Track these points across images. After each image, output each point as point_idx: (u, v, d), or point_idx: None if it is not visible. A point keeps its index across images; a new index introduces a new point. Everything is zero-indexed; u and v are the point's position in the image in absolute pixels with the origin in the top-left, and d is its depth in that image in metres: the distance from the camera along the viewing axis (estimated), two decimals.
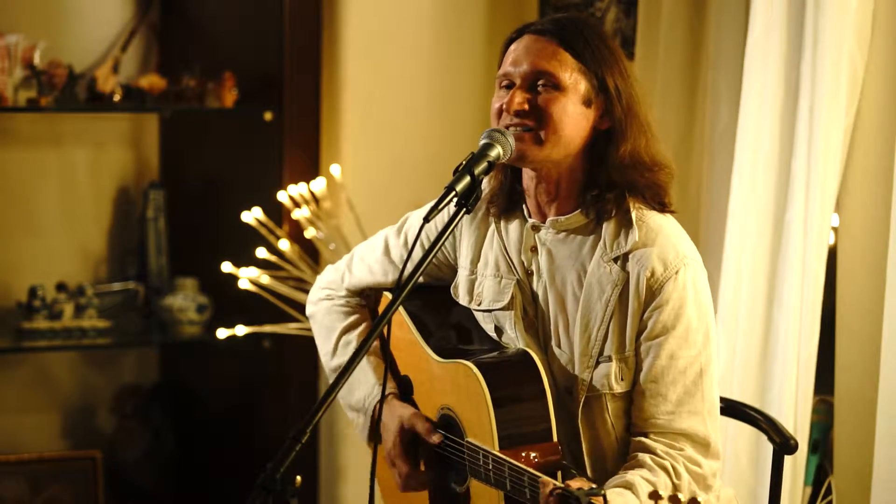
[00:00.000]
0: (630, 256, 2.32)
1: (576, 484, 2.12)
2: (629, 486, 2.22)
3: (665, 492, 2.20)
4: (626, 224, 2.34)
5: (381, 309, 2.67)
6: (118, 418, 4.31)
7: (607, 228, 2.35)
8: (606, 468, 2.32)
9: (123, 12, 4.21)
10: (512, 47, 2.37)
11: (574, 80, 2.32)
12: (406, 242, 2.58)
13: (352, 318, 2.65)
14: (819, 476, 3.22)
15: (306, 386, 3.94)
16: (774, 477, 2.59)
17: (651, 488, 2.21)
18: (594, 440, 2.35)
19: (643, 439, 2.31)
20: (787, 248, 3.06)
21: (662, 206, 2.37)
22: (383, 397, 2.43)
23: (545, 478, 2.12)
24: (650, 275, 2.30)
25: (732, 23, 3.27)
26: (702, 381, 2.31)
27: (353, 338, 2.62)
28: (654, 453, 2.28)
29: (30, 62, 3.78)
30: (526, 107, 2.31)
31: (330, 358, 2.64)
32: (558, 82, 2.31)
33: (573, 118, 2.31)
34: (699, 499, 1.78)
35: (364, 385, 2.54)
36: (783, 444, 2.56)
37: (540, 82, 2.32)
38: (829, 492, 3.15)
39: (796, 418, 3.04)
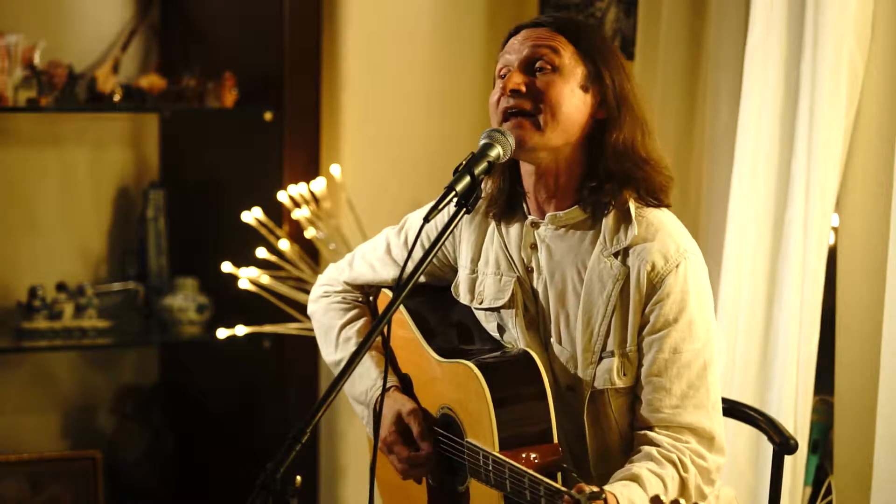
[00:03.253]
0: (630, 251, 2.32)
1: (579, 487, 2.11)
2: (635, 479, 2.22)
3: (673, 483, 2.22)
4: (625, 219, 2.34)
5: (380, 305, 2.67)
6: (118, 418, 4.31)
7: (606, 223, 2.35)
8: (610, 465, 2.32)
9: (123, 12, 4.21)
10: (510, 41, 2.39)
11: (571, 63, 2.33)
12: (407, 242, 2.59)
13: (350, 314, 2.65)
14: (819, 476, 3.22)
15: (306, 386, 3.95)
16: (774, 477, 2.59)
17: (658, 480, 2.22)
18: (598, 437, 2.35)
19: (648, 433, 2.30)
20: (787, 248, 3.06)
21: (658, 203, 2.37)
22: (384, 393, 2.43)
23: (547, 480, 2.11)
24: (650, 268, 2.30)
25: (732, 23, 3.27)
26: (706, 374, 2.31)
27: (353, 333, 2.62)
28: (661, 446, 2.28)
29: (30, 62, 3.78)
30: (523, 88, 2.32)
31: (332, 354, 2.65)
32: (556, 64, 2.32)
33: (571, 101, 2.32)
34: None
35: (366, 379, 2.55)
36: (783, 444, 2.56)
37: (538, 64, 2.33)
38: (829, 492, 3.15)
39: (796, 418, 3.04)
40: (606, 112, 2.34)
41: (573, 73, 2.33)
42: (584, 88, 2.34)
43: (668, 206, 2.39)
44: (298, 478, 1.95)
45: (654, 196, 2.36)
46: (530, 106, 2.31)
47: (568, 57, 2.33)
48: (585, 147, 2.36)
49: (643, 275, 2.31)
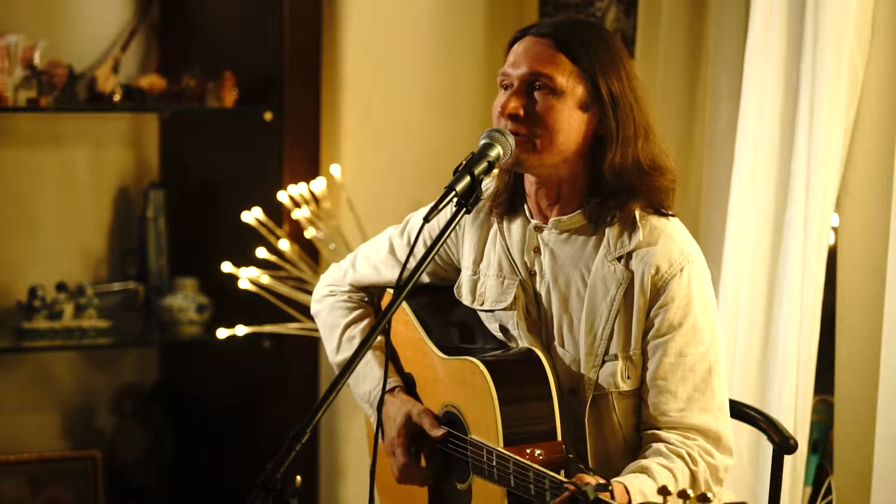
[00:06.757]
0: (634, 255, 2.33)
1: (584, 478, 2.11)
2: (644, 470, 2.23)
3: (683, 477, 2.23)
4: (629, 224, 2.35)
5: (384, 305, 2.67)
6: (118, 418, 4.31)
7: (610, 228, 2.35)
8: (612, 468, 2.32)
9: (123, 12, 4.21)
10: (514, 48, 2.37)
11: (571, 84, 2.31)
12: (409, 242, 2.58)
13: (355, 314, 2.66)
14: (819, 476, 3.23)
15: (306, 386, 3.94)
16: (774, 477, 2.59)
17: (668, 473, 2.23)
18: (600, 440, 2.36)
19: (656, 432, 2.31)
20: (787, 248, 3.06)
21: (663, 213, 2.37)
22: (384, 392, 2.43)
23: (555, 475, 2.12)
24: (654, 272, 2.31)
25: (732, 23, 3.27)
26: (711, 378, 2.32)
27: (357, 333, 2.63)
28: (670, 443, 2.29)
29: (30, 62, 3.78)
30: (521, 112, 2.31)
31: (335, 354, 2.66)
32: (555, 86, 2.31)
33: (568, 124, 2.31)
34: (709, 495, 1.77)
35: (370, 379, 2.55)
36: (783, 444, 2.56)
37: (536, 85, 2.32)
38: (829, 492, 3.15)
39: (796, 418, 3.04)
40: (605, 130, 2.33)
41: (572, 94, 2.31)
42: (584, 108, 2.32)
43: (673, 216, 2.38)
44: (298, 478, 1.95)
45: (660, 205, 2.36)
46: (527, 130, 2.31)
47: (567, 77, 2.31)
48: (587, 159, 2.35)
49: (647, 279, 2.31)
